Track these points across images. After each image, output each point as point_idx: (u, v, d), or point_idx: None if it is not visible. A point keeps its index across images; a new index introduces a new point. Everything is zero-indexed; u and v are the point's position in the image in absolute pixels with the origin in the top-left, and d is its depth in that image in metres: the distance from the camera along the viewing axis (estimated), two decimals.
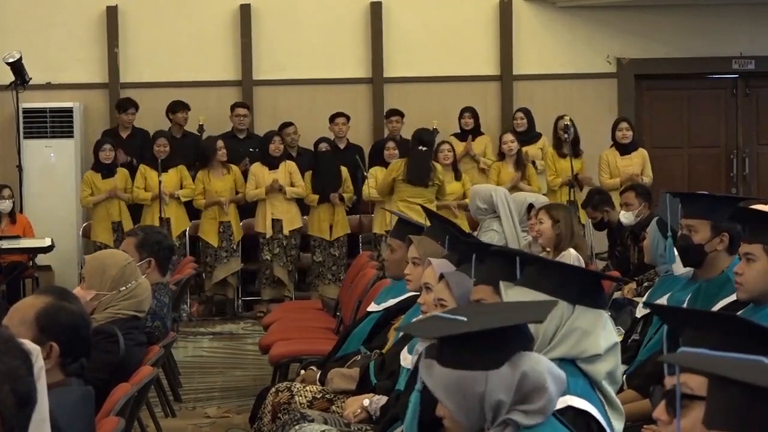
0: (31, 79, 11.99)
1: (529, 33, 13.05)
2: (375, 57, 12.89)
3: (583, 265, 6.61)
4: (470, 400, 2.82)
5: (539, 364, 2.87)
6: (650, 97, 13.53)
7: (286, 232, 11.50)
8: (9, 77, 11.96)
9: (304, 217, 11.77)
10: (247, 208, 11.76)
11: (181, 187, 11.60)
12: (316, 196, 11.56)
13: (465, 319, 2.88)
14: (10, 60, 11.84)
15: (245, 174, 11.71)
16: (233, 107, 12.27)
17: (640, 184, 10.03)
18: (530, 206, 8.18)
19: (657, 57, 13.15)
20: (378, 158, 11.87)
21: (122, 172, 11.60)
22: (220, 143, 11.60)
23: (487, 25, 13.02)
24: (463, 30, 12.94)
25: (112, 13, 12.64)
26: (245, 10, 12.76)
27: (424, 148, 11.09)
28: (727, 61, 13.30)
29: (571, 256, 6.83)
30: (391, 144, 11.78)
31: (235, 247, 11.61)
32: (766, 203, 5.02)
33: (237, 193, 11.64)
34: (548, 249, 7.19)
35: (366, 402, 4.83)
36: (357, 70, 12.93)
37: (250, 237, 11.76)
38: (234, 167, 11.67)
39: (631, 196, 9.19)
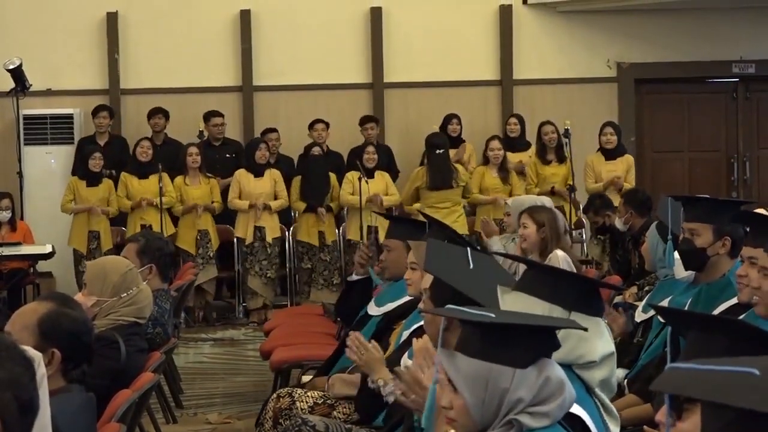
0: (31, 85, 12.00)
1: (530, 38, 13.05)
2: (375, 62, 12.89)
3: (572, 267, 6.58)
4: (492, 393, 2.86)
5: (560, 372, 2.92)
6: (650, 101, 13.53)
7: (269, 239, 11.49)
8: (9, 84, 11.96)
9: (294, 224, 11.78)
10: (224, 215, 11.70)
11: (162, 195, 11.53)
12: (304, 204, 11.55)
13: (493, 315, 2.91)
14: (11, 66, 11.85)
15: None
16: (208, 116, 12.18)
17: (629, 191, 10.01)
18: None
19: (657, 61, 13.15)
20: (354, 164, 11.71)
21: (107, 183, 11.54)
22: (192, 149, 11.56)
23: (487, 29, 13.03)
24: (463, 35, 12.95)
25: (112, 19, 12.65)
26: (245, 16, 12.77)
27: (441, 151, 11.12)
28: (727, 65, 13.30)
29: (558, 258, 6.72)
30: (370, 149, 11.73)
31: (211, 255, 11.58)
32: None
33: (212, 202, 11.60)
34: (531, 253, 7.02)
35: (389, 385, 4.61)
36: (357, 76, 12.94)
37: (228, 244, 11.74)
38: (213, 178, 11.62)
39: (619, 204, 9.20)
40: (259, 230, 11.51)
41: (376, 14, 12.87)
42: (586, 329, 3.21)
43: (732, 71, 13.36)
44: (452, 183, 11.09)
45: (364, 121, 12.34)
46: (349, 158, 12.13)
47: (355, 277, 6.68)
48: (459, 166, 11.42)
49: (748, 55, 13.24)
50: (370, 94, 12.96)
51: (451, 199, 11.03)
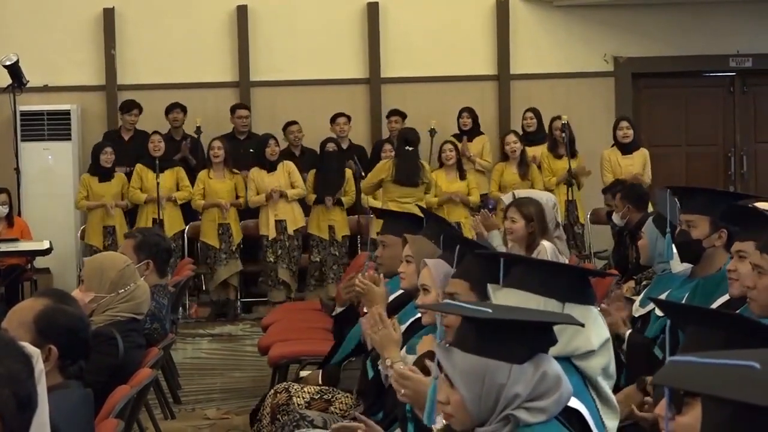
0: (28, 81, 11.99)
1: (527, 32, 13.04)
2: (372, 57, 12.89)
3: (561, 257, 6.56)
4: (489, 389, 2.86)
5: (557, 368, 2.91)
6: (648, 95, 13.53)
7: (290, 231, 11.51)
8: (6, 80, 11.95)
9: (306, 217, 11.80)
10: (247, 210, 11.75)
11: (177, 189, 11.60)
12: (314, 196, 11.58)
13: (490, 311, 2.91)
14: (8, 63, 11.84)
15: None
16: (234, 109, 12.27)
17: (627, 186, 10.01)
18: None
19: (654, 55, 13.14)
20: (377, 159, 11.84)
21: (119, 177, 11.59)
22: (215, 143, 11.59)
23: (484, 24, 13.02)
24: (460, 30, 12.94)
25: (109, 15, 12.64)
26: (242, 12, 12.76)
27: (411, 148, 11.11)
28: (724, 59, 13.30)
29: (546, 249, 6.65)
30: (387, 146, 11.80)
31: (234, 249, 11.61)
32: (766, 200, 5.02)
33: (237, 197, 11.63)
34: (518, 247, 6.95)
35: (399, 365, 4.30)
36: (354, 71, 12.93)
37: (251, 238, 11.77)
38: (237, 172, 11.65)
39: (616, 198, 9.20)
40: (280, 224, 11.52)
41: (372, 9, 12.86)
42: (583, 325, 3.21)
43: (729, 65, 13.36)
44: (417, 181, 11.06)
45: (390, 114, 12.38)
46: (372, 153, 12.19)
47: (339, 309, 6.38)
48: (425, 164, 11.36)
49: (745, 49, 13.24)
50: (367, 90, 12.95)
51: (414, 196, 10.97)
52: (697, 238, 5.02)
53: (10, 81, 11.93)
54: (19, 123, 12.13)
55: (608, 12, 13.12)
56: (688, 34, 13.14)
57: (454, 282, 3.92)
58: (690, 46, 13.15)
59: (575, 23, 13.10)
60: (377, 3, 12.86)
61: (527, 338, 2.89)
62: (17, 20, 12.53)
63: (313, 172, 11.64)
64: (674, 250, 5.29)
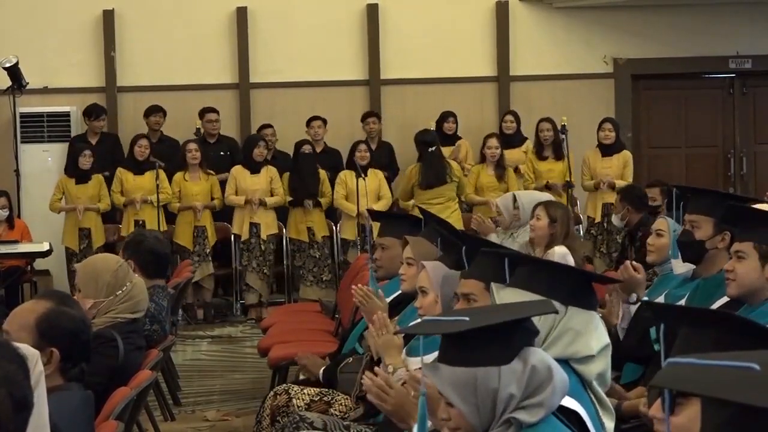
0: (28, 83, 11.99)
1: (526, 34, 13.05)
2: (372, 59, 12.89)
3: (572, 263, 6.56)
4: (483, 396, 2.84)
5: (545, 358, 2.90)
6: (647, 97, 13.53)
7: (263, 236, 11.49)
8: (6, 82, 11.96)
9: (280, 223, 11.77)
10: (222, 211, 11.70)
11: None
12: (289, 198, 11.56)
13: (467, 318, 2.90)
14: (7, 65, 11.85)
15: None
16: (203, 112, 12.18)
17: (626, 187, 10.01)
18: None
19: (654, 57, 13.15)
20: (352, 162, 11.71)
21: (97, 179, 11.51)
22: (191, 146, 11.57)
23: (483, 26, 13.03)
24: (459, 31, 12.94)
25: (108, 17, 12.64)
26: (242, 13, 12.76)
27: (433, 148, 11.13)
28: (723, 61, 13.30)
29: (556, 253, 6.65)
30: (362, 146, 11.71)
31: (208, 252, 11.58)
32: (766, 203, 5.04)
33: (212, 199, 11.60)
34: (538, 245, 6.98)
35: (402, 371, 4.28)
36: (354, 73, 12.93)
37: (225, 241, 11.75)
38: (213, 175, 11.63)
39: (615, 200, 9.21)
40: (254, 227, 11.51)
41: (372, 11, 12.86)
42: (557, 312, 3.20)
43: (729, 67, 13.36)
44: (446, 178, 11.07)
45: (365, 116, 12.34)
46: (350, 155, 12.15)
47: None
48: (452, 162, 11.40)
49: (745, 50, 13.24)
50: (366, 91, 12.96)
51: (445, 195, 11.01)
52: (700, 239, 5.03)
53: (9, 83, 11.94)
54: (18, 125, 12.14)
55: (608, 13, 13.12)
56: (687, 36, 13.14)
57: (467, 282, 3.88)
58: (690, 47, 13.16)
59: (575, 25, 13.10)
60: (377, 4, 12.87)
61: (508, 337, 2.86)
62: (17, 22, 12.53)
63: (287, 174, 11.59)
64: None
